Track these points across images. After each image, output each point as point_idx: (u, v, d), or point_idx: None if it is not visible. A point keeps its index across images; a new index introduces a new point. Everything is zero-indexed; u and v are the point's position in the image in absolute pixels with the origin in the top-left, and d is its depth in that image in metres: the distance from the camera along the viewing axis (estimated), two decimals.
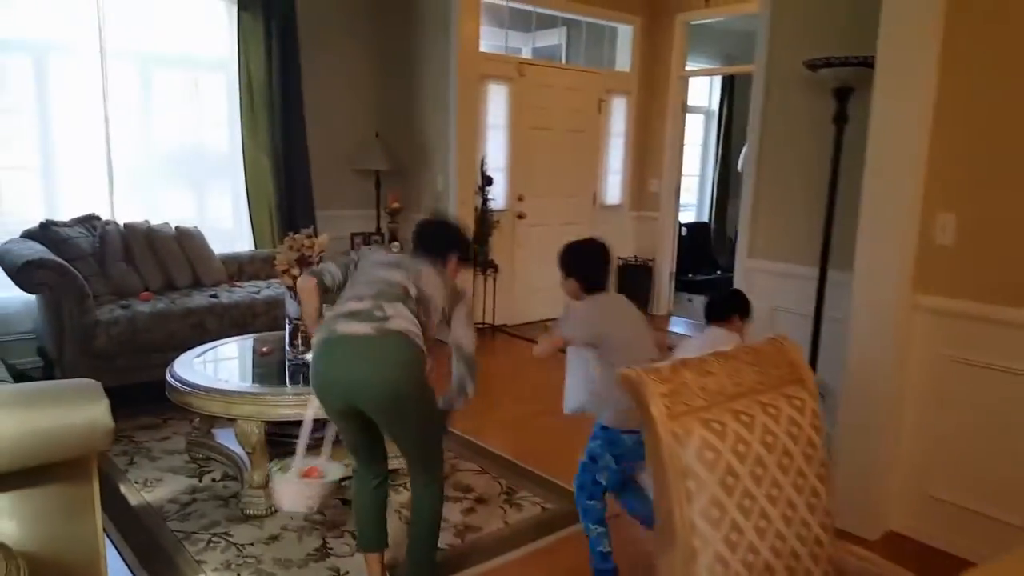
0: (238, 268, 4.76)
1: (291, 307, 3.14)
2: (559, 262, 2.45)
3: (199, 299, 4.12)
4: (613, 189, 6.46)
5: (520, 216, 5.84)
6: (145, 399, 3.87)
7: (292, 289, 3.11)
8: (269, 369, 3.17)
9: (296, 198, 5.14)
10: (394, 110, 5.58)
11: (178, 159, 4.91)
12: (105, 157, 4.52)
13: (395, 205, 5.35)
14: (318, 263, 3.14)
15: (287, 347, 3.18)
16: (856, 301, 2.82)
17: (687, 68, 6.38)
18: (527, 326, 5.96)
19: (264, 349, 3.30)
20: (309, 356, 3.14)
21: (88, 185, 4.57)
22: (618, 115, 6.33)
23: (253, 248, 5.07)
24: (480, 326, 5.66)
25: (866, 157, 2.75)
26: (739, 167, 8.33)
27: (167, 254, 4.33)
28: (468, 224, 5.32)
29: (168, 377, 2.96)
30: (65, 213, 4.42)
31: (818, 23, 3.34)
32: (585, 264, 2.42)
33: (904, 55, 2.65)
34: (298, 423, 3.04)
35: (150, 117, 4.73)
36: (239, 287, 4.46)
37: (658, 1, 6.22)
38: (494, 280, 5.63)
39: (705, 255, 8.31)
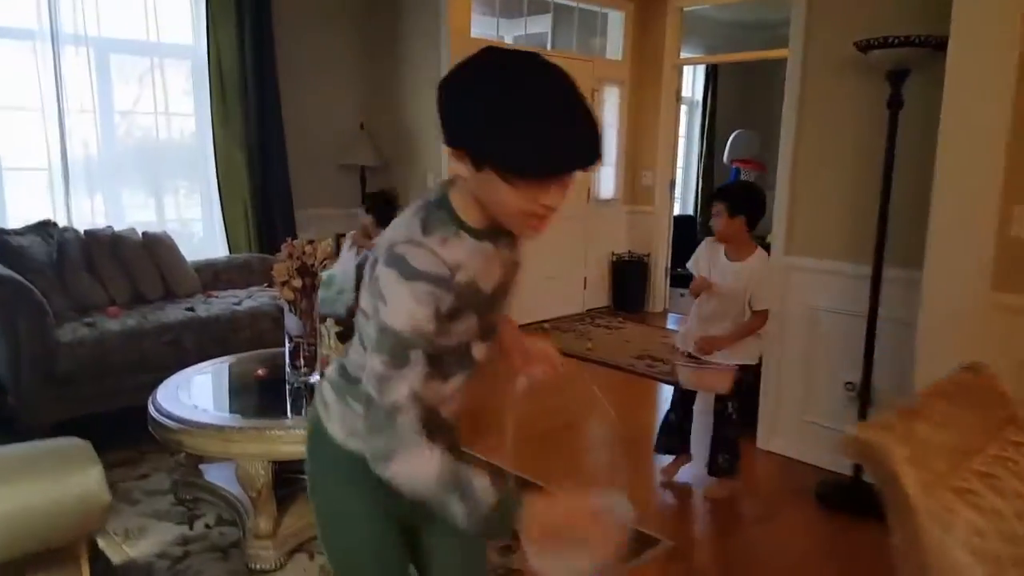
0: (213, 276, 4.31)
1: (291, 322, 2.75)
2: None
3: (173, 313, 3.68)
4: (607, 183, 6.16)
5: None
6: (116, 429, 3.44)
7: (292, 303, 2.73)
8: (268, 396, 2.78)
9: (274, 196, 4.71)
10: (380, 100, 5.18)
11: (141, 156, 4.45)
12: (60, 155, 4.02)
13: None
14: (321, 271, 2.77)
15: (288, 368, 2.78)
16: (928, 300, 2.60)
17: (682, 56, 6.10)
18: (524, 327, 5.62)
19: (260, 372, 2.90)
20: (314, 378, 2.79)
21: (40, 186, 4.08)
22: (610, 105, 6.02)
23: (228, 253, 4.62)
24: None
25: (938, 145, 2.52)
26: (725, 159, 8.14)
27: (134, 263, 3.87)
28: None
29: (151, 410, 2.55)
30: (15, 219, 3.96)
31: (863, 2, 3.07)
32: None
33: (981, 33, 2.41)
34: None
35: (109, 110, 4.24)
36: (216, 298, 4.02)
37: None
38: None
39: (692, 249, 8.09)
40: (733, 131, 8.08)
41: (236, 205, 4.60)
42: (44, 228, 3.77)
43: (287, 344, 2.78)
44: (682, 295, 6.90)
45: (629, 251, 6.37)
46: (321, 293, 3.74)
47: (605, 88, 5.95)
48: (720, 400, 2.99)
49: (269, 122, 4.60)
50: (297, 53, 4.78)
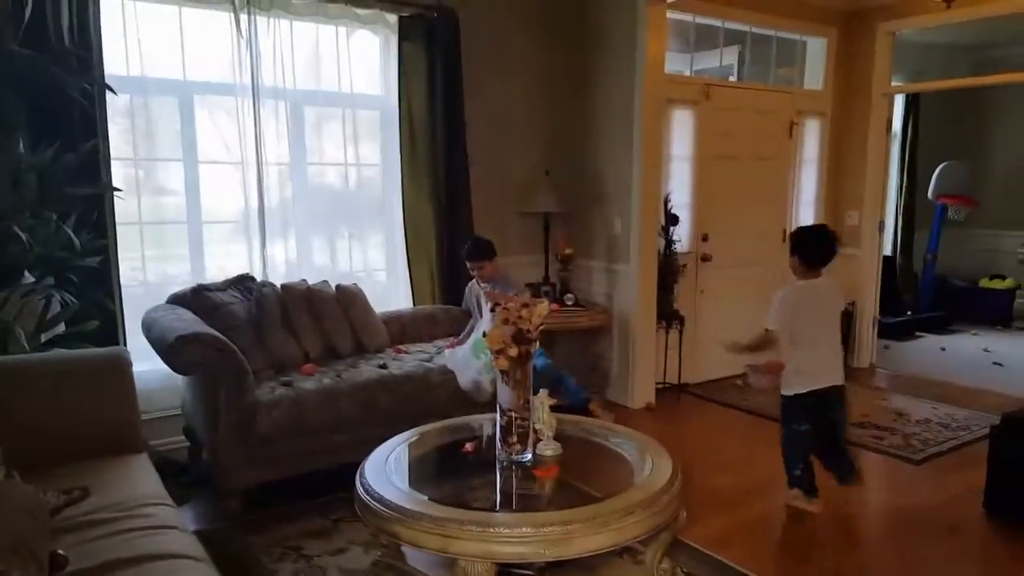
0: (400, 329, 4.18)
1: (504, 395, 2.45)
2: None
3: (367, 371, 3.53)
4: (805, 223, 5.55)
5: (705, 258, 5.03)
6: (308, 493, 3.31)
7: (506, 374, 2.43)
8: (479, 477, 2.49)
9: (458, 246, 4.53)
10: (566, 145, 4.93)
11: (330, 205, 4.43)
12: (257, 206, 4.04)
13: (567, 251, 4.65)
14: (538, 339, 2.45)
15: (498, 445, 2.48)
16: None
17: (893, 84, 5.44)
18: (711, 384, 5.11)
19: (468, 447, 2.63)
20: (527, 456, 2.48)
21: (236, 238, 4.12)
22: (811, 139, 5.46)
23: (411, 304, 4.48)
24: (661, 386, 4.86)
25: None
26: (930, 194, 7.25)
27: (328, 318, 3.78)
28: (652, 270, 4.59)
29: (360, 490, 2.31)
30: (212, 271, 4.01)
31: None
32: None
33: None
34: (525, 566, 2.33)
35: (301, 161, 4.25)
36: (405, 353, 3.87)
37: (858, 10, 5.35)
38: (680, 333, 4.83)
39: (890, 294, 7.23)
40: (936, 164, 7.20)
41: (421, 255, 4.46)
42: (242, 283, 3.76)
43: (498, 417, 2.48)
44: (886, 347, 6.11)
45: None
46: (474, 363, 3.57)
47: (805, 121, 5.40)
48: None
49: (456, 172, 4.45)
50: (484, 102, 4.62)
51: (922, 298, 7.31)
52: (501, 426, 2.47)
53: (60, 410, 2.55)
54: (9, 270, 3.06)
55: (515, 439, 2.45)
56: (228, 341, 3.19)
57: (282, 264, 4.15)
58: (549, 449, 2.51)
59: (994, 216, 7.52)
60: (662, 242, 4.69)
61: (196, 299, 3.52)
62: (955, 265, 7.56)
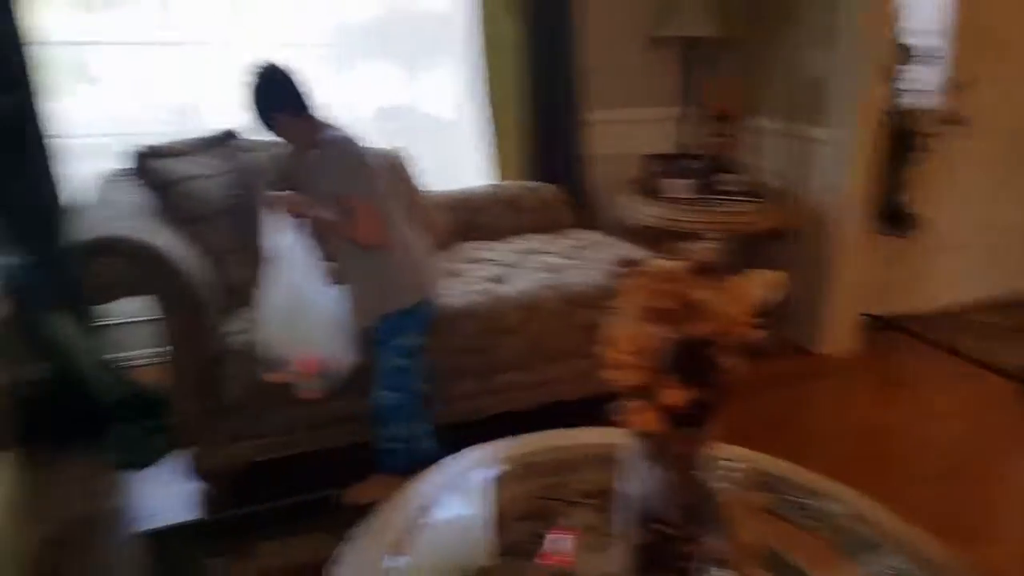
0: (467, 220, 2.78)
1: (648, 486, 1.04)
2: None
3: None
4: None
5: (954, 121, 3.20)
6: (317, 482, 2.17)
7: (653, 442, 1.00)
8: None
9: (556, 92, 2.96)
10: None
11: (372, 32, 2.94)
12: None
13: (725, 105, 2.96)
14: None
15: None
16: None
17: None
18: (939, 321, 3.41)
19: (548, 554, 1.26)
20: None
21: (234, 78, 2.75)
22: None
23: (493, 181, 3.03)
24: (862, 318, 3.24)
25: None
26: None
27: None
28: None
29: None
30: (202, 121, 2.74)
31: None
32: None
33: None
34: None
35: None
36: (476, 262, 2.48)
37: None
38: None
39: None
40: None
41: (504, 105, 2.94)
42: (223, 143, 2.41)
43: (630, 528, 1.08)
44: None
45: None
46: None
47: None
48: None
49: None
50: None
51: None
52: (637, 545, 1.07)
53: None
54: None
55: None
56: (165, 249, 1.90)
57: None
58: None
59: None
60: (892, 93, 2.91)
61: (144, 172, 2.21)
62: None
